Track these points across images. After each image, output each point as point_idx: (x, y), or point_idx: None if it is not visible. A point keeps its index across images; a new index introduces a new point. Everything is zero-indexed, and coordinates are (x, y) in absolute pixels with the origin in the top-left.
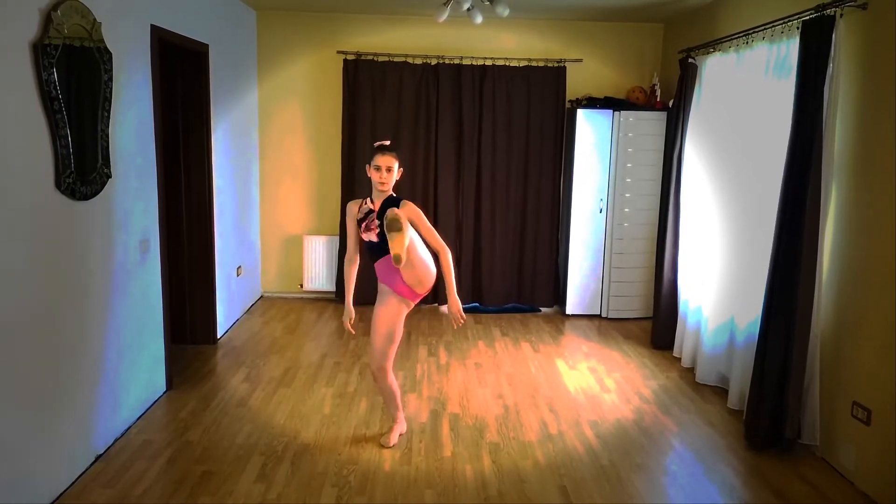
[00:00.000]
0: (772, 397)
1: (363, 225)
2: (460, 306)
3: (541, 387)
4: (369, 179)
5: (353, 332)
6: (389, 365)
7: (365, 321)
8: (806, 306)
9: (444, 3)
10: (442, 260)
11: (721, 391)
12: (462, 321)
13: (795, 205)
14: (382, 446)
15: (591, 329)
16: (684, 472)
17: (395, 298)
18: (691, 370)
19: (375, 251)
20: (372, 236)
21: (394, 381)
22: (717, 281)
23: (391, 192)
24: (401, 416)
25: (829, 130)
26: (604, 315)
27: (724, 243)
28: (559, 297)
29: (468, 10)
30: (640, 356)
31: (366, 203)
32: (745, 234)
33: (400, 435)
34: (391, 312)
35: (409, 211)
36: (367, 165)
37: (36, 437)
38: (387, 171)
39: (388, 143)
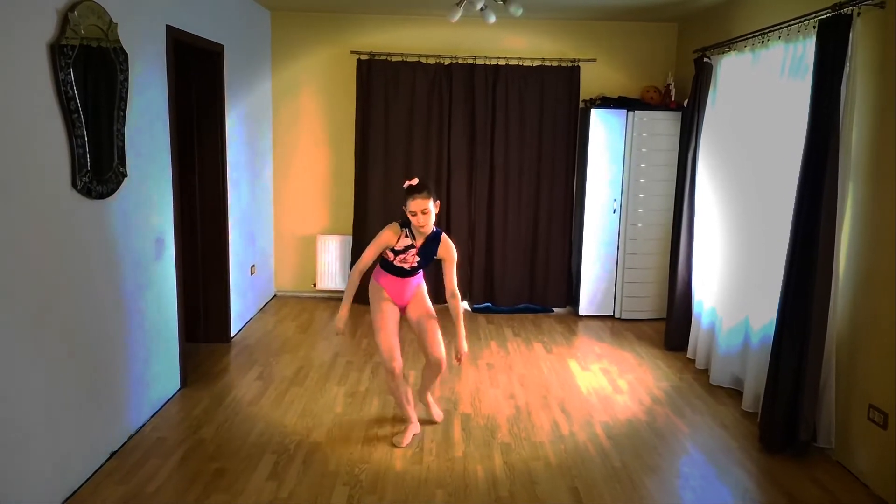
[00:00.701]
0: (786, 399)
1: (399, 256)
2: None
3: (553, 387)
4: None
5: (343, 332)
6: (395, 365)
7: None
8: (821, 307)
9: (458, 3)
10: (455, 303)
11: (735, 393)
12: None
13: (811, 205)
14: (395, 446)
15: (603, 330)
16: (697, 474)
17: (390, 303)
18: (705, 372)
19: (402, 273)
20: (406, 265)
21: (401, 383)
22: (732, 282)
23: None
24: (414, 417)
25: (846, 131)
26: (617, 316)
27: (738, 244)
28: (572, 298)
29: (481, 10)
30: (654, 357)
31: (405, 237)
32: (760, 234)
33: (413, 436)
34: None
35: (445, 247)
36: (403, 207)
37: (51, 434)
38: (423, 214)
39: (415, 182)
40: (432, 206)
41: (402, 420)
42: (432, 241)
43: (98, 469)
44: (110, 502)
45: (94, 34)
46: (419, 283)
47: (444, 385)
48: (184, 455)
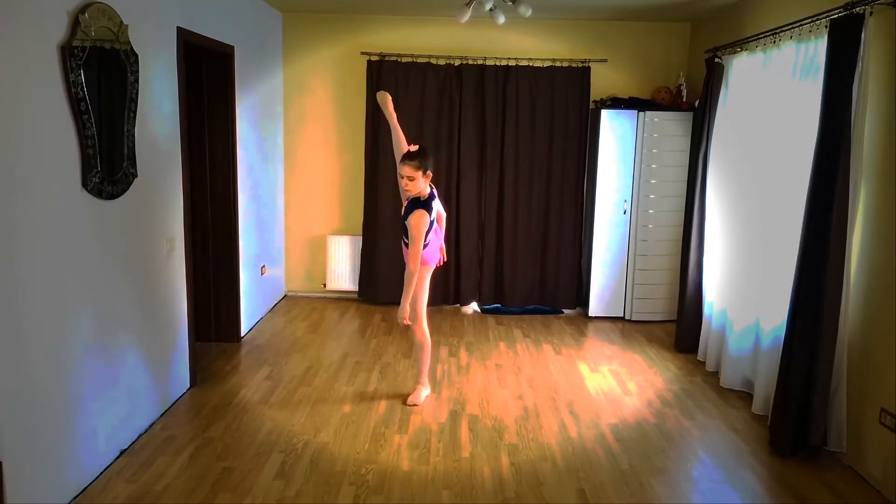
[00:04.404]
0: (797, 402)
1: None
2: (406, 314)
3: (561, 389)
4: (398, 179)
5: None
6: (420, 313)
7: (388, 320)
8: (833, 310)
9: (467, 4)
10: (407, 272)
11: (746, 396)
12: (405, 322)
13: (822, 207)
14: (407, 404)
15: (614, 331)
16: (706, 477)
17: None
18: (715, 374)
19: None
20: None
21: (428, 336)
22: (743, 283)
23: (424, 193)
24: (425, 379)
25: (858, 131)
26: (627, 317)
27: (749, 245)
28: (582, 299)
29: (490, 10)
30: (664, 359)
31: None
32: (772, 235)
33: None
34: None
35: (413, 218)
36: None
37: (61, 431)
38: (408, 180)
39: (413, 148)
40: (419, 175)
41: (407, 420)
42: (410, 208)
43: (108, 467)
44: (119, 500)
45: (105, 36)
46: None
47: (452, 386)
48: (192, 454)
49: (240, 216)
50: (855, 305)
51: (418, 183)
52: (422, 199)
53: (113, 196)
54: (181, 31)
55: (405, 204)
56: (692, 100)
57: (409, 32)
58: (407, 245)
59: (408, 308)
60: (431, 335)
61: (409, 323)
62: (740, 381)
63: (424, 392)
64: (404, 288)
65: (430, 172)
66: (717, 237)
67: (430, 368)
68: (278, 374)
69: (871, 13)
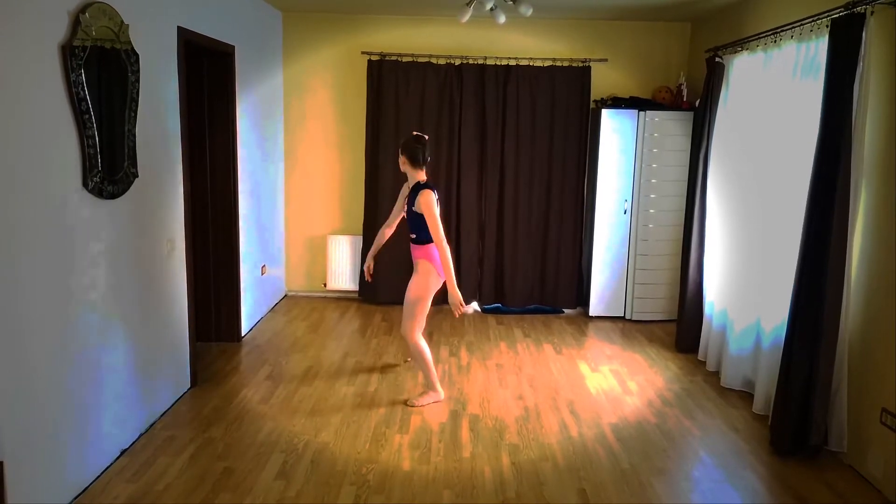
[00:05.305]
0: (798, 402)
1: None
2: (460, 298)
3: (562, 389)
4: (402, 176)
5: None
6: (416, 329)
7: (389, 320)
8: (833, 310)
9: (467, 4)
10: (439, 252)
11: (746, 395)
12: (462, 309)
13: (823, 206)
14: (407, 405)
15: (614, 331)
16: (706, 477)
17: (424, 269)
18: (716, 374)
19: (411, 239)
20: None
21: (424, 345)
22: (743, 283)
23: (420, 178)
24: (435, 383)
25: (859, 131)
26: (627, 317)
27: (750, 244)
28: (582, 299)
29: (491, 10)
30: (664, 359)
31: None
32: (772, 235)
33: (433, 402)
34: (421, 281)
35: (421, 198)
36: None
37: (62, 431)
38: (401, 163)
39: (417, 134)
40: (403, 163)
41: (408, 420)
42: (415, 192)
43: (108, 466)
44: (120, 500)
45: (106, 35)
46: (419, 258)
47: (452, 385)
48: (193, 454)
49: (240, 216)
50: (856, 305)
51: (406, 167)
52: (422, 182)
53: (113, 196)
54: (182, 31)
55: (407, 194)
56: (693, 99)
57: (410, 32)
58: (413, 240)
59: (458, 293)
60: (433, 335)
61: (467, 310)
62: (741, 380)
63: (432, 398)
64: (444, 272)
65: (405, 159)
66: (718, 237)
67: None
68: (279, 374)
69: (872, 12)
